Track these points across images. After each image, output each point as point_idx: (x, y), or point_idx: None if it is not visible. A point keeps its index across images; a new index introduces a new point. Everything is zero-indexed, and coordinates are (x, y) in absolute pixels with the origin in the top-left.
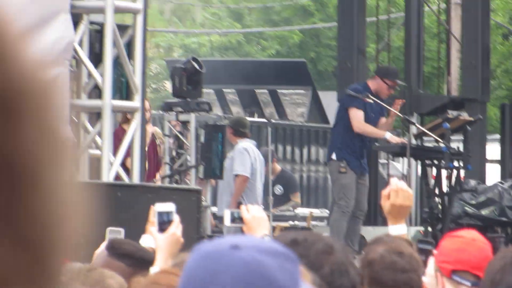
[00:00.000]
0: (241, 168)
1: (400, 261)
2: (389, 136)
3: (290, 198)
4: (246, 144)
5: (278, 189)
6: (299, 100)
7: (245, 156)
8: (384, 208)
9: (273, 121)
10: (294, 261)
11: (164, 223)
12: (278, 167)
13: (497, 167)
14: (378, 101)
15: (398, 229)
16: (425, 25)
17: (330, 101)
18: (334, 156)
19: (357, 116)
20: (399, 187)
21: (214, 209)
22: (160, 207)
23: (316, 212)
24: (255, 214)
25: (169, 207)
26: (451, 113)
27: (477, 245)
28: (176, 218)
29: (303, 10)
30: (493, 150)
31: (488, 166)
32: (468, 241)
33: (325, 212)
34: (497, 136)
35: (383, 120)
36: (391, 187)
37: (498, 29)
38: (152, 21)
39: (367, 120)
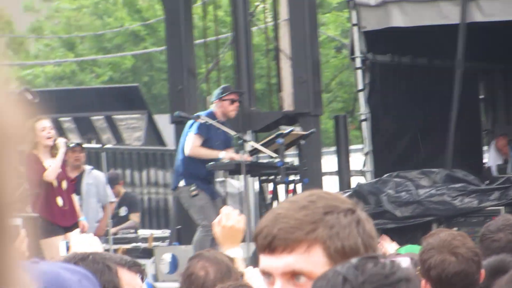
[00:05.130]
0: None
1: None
2: (223, 155)
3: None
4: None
5: (124, 211)
6: (135, 125)
7: None
8: (217, 233)
9: (109, 146)
10: (93, 281)
11: None
12: (122, 189)
13: (336, 179)
14: (222, 126)
15: (233, 253)
16: (255, 43)
17: (166, 123)
18: (182, 183)
19: (194, 141)
20: (231, 212)
21: None
22: None
23: (158, 233)
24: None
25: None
26: (284, 129)
27: None
28: None
29: (134, 36)
30: (332, 162)
31: (327, 178)
32: None
33: (166, 233)
34: (334, 148)
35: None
36: (222, 213)
37: (330, 42)
38: None
39: (213, 147)
